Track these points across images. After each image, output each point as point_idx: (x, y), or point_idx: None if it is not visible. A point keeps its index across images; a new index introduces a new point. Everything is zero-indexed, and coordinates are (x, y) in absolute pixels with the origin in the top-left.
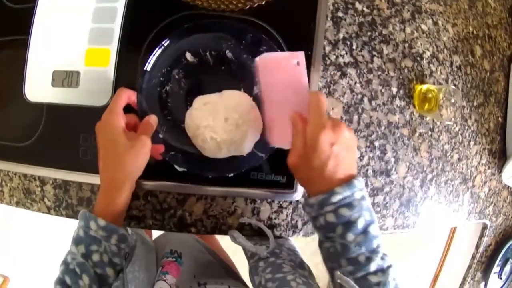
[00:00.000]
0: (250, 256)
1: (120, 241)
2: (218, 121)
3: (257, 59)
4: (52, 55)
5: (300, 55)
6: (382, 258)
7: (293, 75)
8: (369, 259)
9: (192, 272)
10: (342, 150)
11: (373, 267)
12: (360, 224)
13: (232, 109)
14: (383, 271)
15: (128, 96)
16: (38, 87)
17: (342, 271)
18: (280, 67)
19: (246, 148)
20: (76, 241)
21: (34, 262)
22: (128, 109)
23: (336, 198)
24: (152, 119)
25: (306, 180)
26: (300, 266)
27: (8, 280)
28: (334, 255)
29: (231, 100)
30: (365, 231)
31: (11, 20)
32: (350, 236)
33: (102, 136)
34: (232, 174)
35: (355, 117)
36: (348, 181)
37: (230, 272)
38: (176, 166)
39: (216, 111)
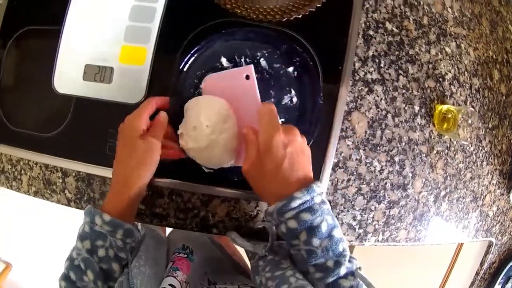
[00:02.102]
0: (251, 256)
1: (125, 236)
2: (187, 129)
3: (204, 81)
4: (85, 49)
5: (249, 69)
6: (349, 261)
7: (244, 90)
8: (337, 263)
9: (203, 269)
10: (296, 152)
11: (342, 271)
12: (324, 228)
13: (203, 117)
14: (353, 274)
15: (156, 104)
16: (68, 80)
17: (311, 277)
18: (230, 84)
19: (222, 158)
20: (82, 236)
21: (37, 249)
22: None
23: (295, 203)
24: (162, 116)
25: (262, 187)
26: None
27: (11, 266)
28: (301, 262)
29: (203, 108)
30: (329, 235)
31: (44, 9)
32: (316, 241)
33: (122, 137)
34: None
35: (378, 132)
36: (307, 185)
37: (240, 269)
38: (203, 167)
39: (189, 118)
